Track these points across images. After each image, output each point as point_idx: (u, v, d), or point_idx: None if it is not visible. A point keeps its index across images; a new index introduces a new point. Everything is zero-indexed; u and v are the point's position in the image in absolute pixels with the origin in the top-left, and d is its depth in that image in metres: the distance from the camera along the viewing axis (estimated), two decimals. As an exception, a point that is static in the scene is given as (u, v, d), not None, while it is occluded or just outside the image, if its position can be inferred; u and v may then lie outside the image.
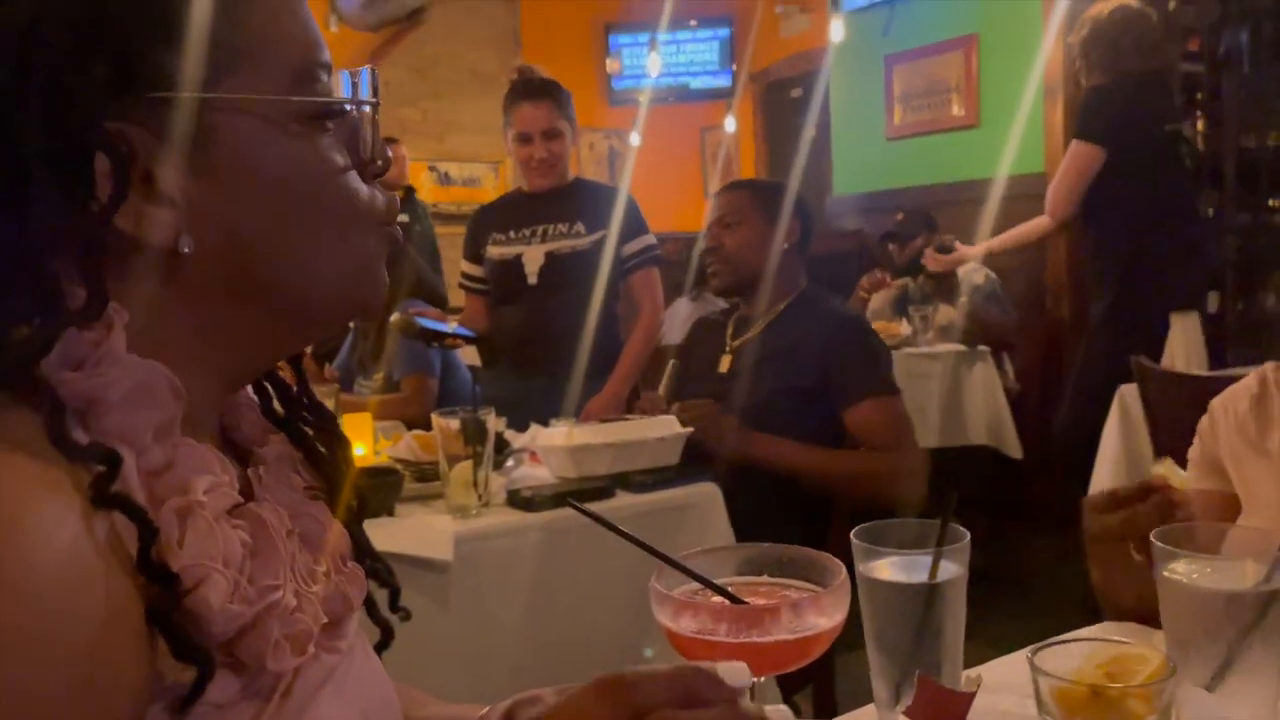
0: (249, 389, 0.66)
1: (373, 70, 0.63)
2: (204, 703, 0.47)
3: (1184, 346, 2.59)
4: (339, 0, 5.66)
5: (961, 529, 0.77)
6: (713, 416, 1.89)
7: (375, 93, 0.61)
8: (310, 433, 0.67)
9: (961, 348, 3.49)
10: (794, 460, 1.89)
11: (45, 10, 0.49)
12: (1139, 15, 2.92)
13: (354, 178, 0.59)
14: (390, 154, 0.62)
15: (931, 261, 3.65)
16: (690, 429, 1.81)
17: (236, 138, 0.53)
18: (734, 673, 0.52)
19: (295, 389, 0.68)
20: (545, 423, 2.00)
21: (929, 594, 0.75)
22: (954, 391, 3.44)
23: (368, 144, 0.60)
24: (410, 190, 4.98)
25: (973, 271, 3.86)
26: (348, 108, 0.59)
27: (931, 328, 3.60)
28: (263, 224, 0.55)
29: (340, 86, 0.60)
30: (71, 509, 0.44)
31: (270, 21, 0.55)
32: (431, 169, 6.21)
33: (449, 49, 6.18)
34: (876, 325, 3.66)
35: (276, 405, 0.67)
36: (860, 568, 0.78)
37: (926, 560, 0.76)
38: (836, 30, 4.85)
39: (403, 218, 4.85)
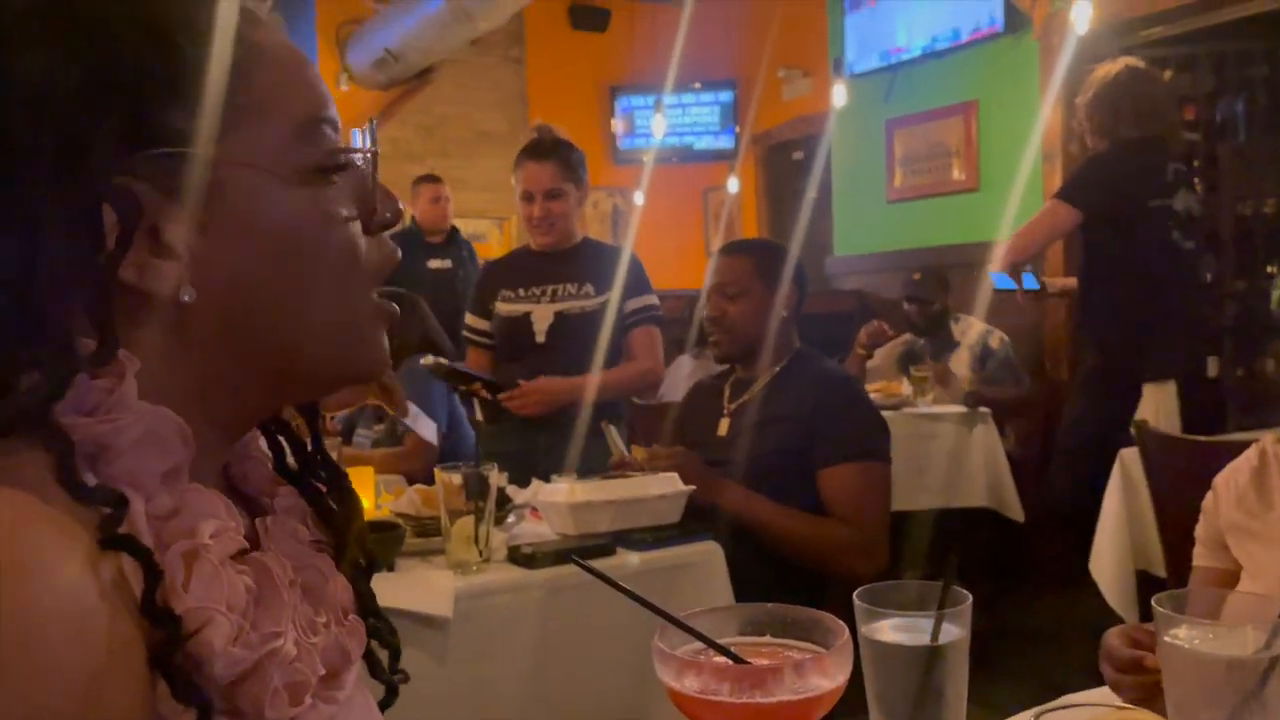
0: (262, 442, 0.67)
1: (372, 122, 0.64)
2: None
3: (1154, 415, 2.59)
4: (349, 59, 5.78)
5: (963, 591, 0.78)
6: (682, 463, 1.90)
7: (374, 143, 0.63)
8: (321, 488, 0.68)
9: (962, 409, 3.50)
10: (754, 514, 1.89)
11: (61, 67, 0.50)
12: (1142, 78, 2.92)
13: (356, 230, 0.60)
14: (401, 207, 0.64)
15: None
16: (692, 487, 1.81)
17: (240, 191, 0.55)
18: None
19: (310, 445, 0.69)
20: (547, 479, 2.00)
21: (931, 656, 0.76)
22: (955, 453, 3.43)
23: (373, 196, 0.61)
24: (454, 230, 5.01)
25: (985, 334, 3.87)
26: (355, 161, 0.60)
27: (931, 388, 3.60)
28: (264, 275, 0.56)
29: (350, 144, 0.62)
30: (77, 550, 0.45)
31: (278, 81, 0.57)
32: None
33: (457, 109, 6.29)
34: (878, 384, 3.67)
35: (290, 459, 0.68)
36: (862, 629, 0.78)
37: (929, 622, 0.76)
38: (839, 94, 4.95)
39: (444, 262, 4.84)
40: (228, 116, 0.54)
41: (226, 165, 0.54)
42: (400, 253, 0.64)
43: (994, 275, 3.23)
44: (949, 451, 3.41)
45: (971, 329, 3.92)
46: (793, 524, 1.89)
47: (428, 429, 2.59)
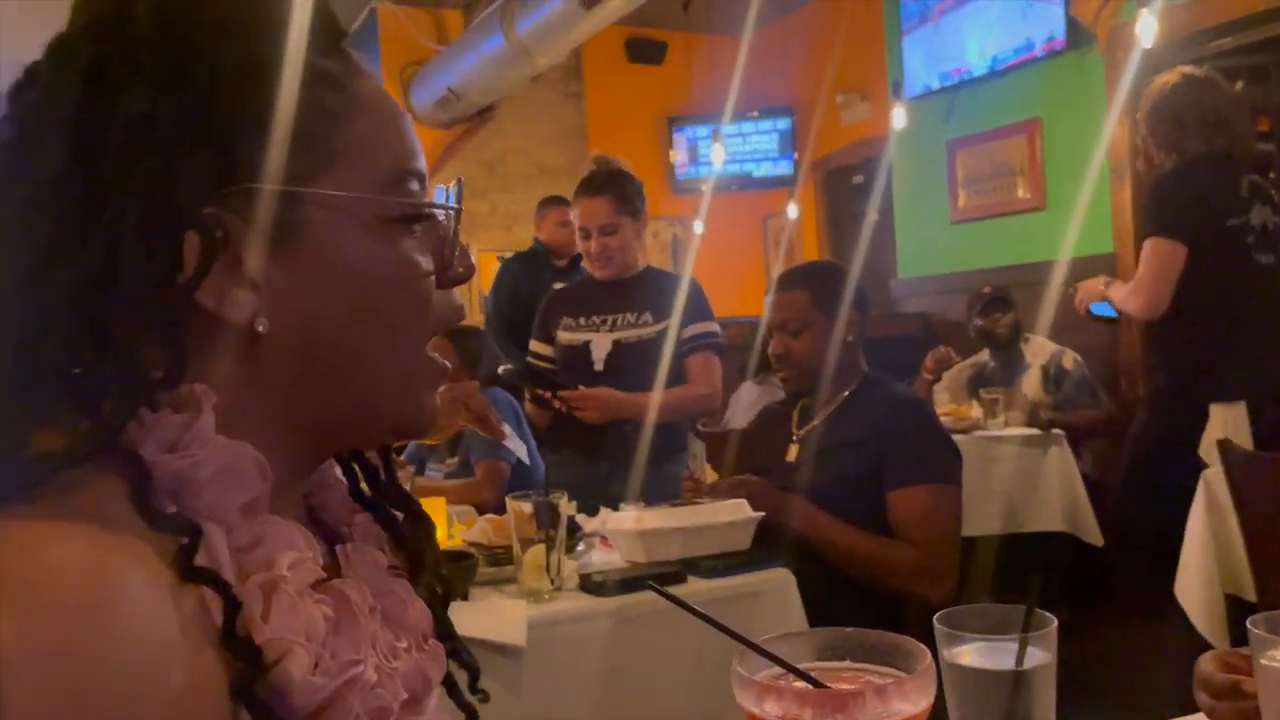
0: (338, 470, 0.69)
1: (460, 181, 0.66)
2: None
3: (1223, 436, 2.49)
4: (413, 99, 5.91)
5: (1048, 615, 0.76)
6: (749, 488, 1.89)
7: (460, 200, 0.64)
8: (396, 515, 0.69)
9: (1035, 431, 3.42)
10: (823, 534, 1.87)
11: (161, 105, 0.52)
12: (1204, 86, 2.81)
13: (430, 283, 0.61)
14: (474, 262, 0.65)
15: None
16: (761, 514, 1.80)
17: (323, 231, 0.56)
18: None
19: (383, 473, 0.70)
20: (614, 507, 2.01)
21: (1016, 681, 0.74)
22: (1029, 476, 3.36)
23: (450, 251, 0.62)
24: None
25: (1058, 354, 3.79)
26: (435, 215, 0.62)
27: (1003, 410, 3.53)
28: (337, 317, 0.57)
29: (434, 196, 0.62)
30: (160, 584, 0.46)
31: (372, 130, 0.58)
32: (500, 259, 6.37)
33: (517, 144, 6.39)
34: (947, 409, 3.61)
35: (364, 486, 0.69)
36: (944, 653, 0.77)
37: (1012, 646, 0.75)
38: (899, 118, 4.92)
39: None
40: (322, 160, 0.56)
41: (313, 205, 0.56)
42: (465, 309, 0.66)
43: (1094, 306, 3.12)
44: (1022, 474, 3.34)
45: (1043, 349, 3.85)
46: (860, 545, 1.87)
47: (520, 449, 2.63)
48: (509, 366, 2.52)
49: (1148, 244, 2.79)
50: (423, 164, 0.61)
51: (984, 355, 4.02)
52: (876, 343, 2.19)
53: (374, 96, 0.60)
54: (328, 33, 0.59)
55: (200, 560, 0.48)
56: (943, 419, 3.40)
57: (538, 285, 3.72)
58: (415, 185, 0.60)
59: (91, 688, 0.41)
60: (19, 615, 0.40)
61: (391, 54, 5.92)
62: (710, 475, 2.04)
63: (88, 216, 0.51)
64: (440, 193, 0.64)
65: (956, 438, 3.27)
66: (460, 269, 0.63)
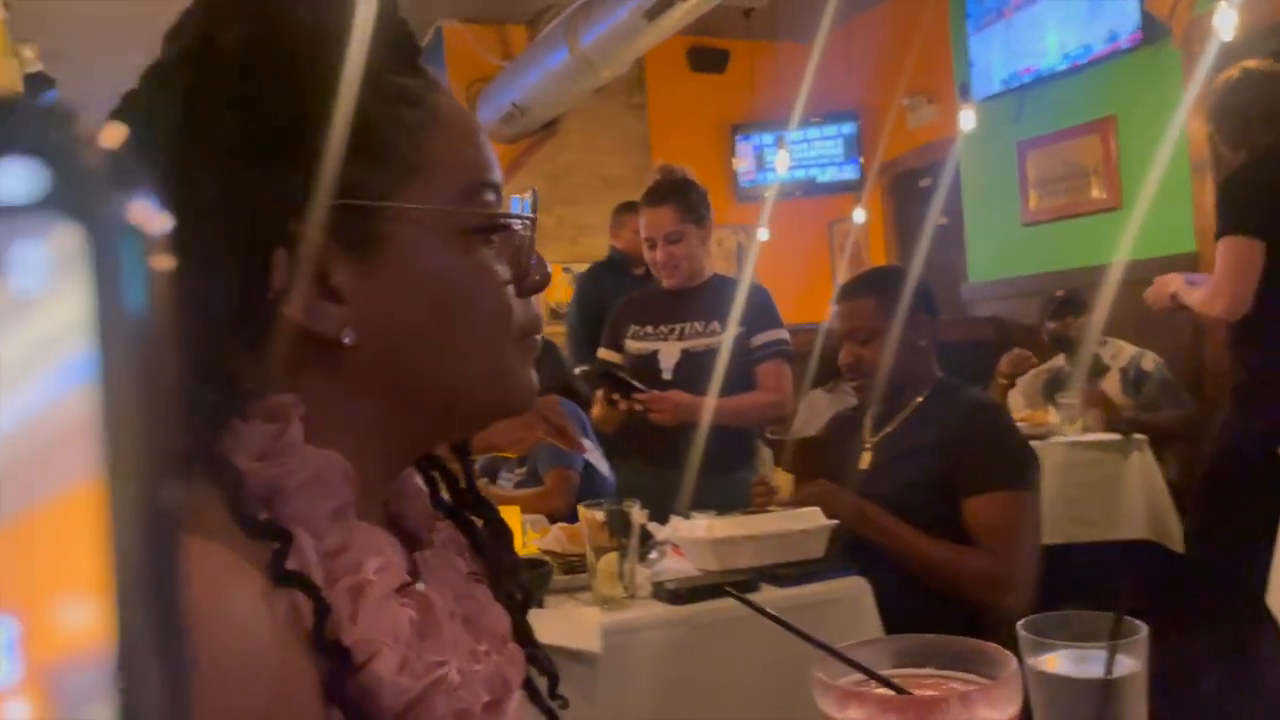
0: (418, 479, 0.70)
1: (534, 192, 0.67)
2: None
3: None
4: (480, 116, 6.00)
5: (1138, 622, 0.74)
6: (823, 494, 1.88)
7: (535, 210, 0.66)
8: (475, 522, 0.70)
9: (1115, 436, 3.33)
10: (899, 542, 1.85)
11: (250, 124, 0.54)
12: (1268, 80, 2.72)
13: (509, 291, 0.62)
14: (549, 271, 0.66)
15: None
16: (835, 521, 1.78)
17: (405, 244, 0.57)
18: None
19: (463, 481, 0.71)
20: (684, 516, 2.01)
21: (1105, 690, 0.72)
22: (1110, 482, 3.27)
23: (527, 260, 0.64)
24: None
25: (1137, 356, 3.69)
26: (512, 225, 0.63)
27: (1080, 415, 3.44)
28: (420, 325, 0.58)
29: (509, 207, 0.64)
30: (254, 588, 0.47)
31: (449, 144, 0.60)
32: (566, 270, 6.42)
33: (581, 157, 6.44)
34: (1023, 414, 3.53)
35: (444, 494, 0.71)
36: (1029, 661, 0.76)
37: (1100, 654, 0.73)
38: (967, 119, 4.85)
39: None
40: (401, 174, 0.57)
41: (396, 220, 0.57)
42: (542, 320, 0.67)
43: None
44: (1103, 481, 3.25)
45: (1121, 352, 3.74)
46: (937, 554, 1.84)
47: (602, 463, 2.65)
48: (586, 368, 2.54)
49: (1222, 244, 2.71)
50: (498, 175, 0.63)
51: (1059, 360, 3.93)
52: (947, 348, 2.15)
53: (450, 111, 0.61)
54: (405, 50, 0.61)
55: (291, 565, 0.50)
56: (1020, 424, 3.34)
57: (621, 294, 3.73)
58: (491, 196, 0.62)
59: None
60: None
61: (458, 71, 6.02)
62: (783, 481, 2.03)
63: (179, 235, 0.53)
64: (515, 203, 0.65)
65: (1033, 443, 3.21)
66: (537, 277, 0.65)
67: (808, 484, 1.99)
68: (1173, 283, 2.93)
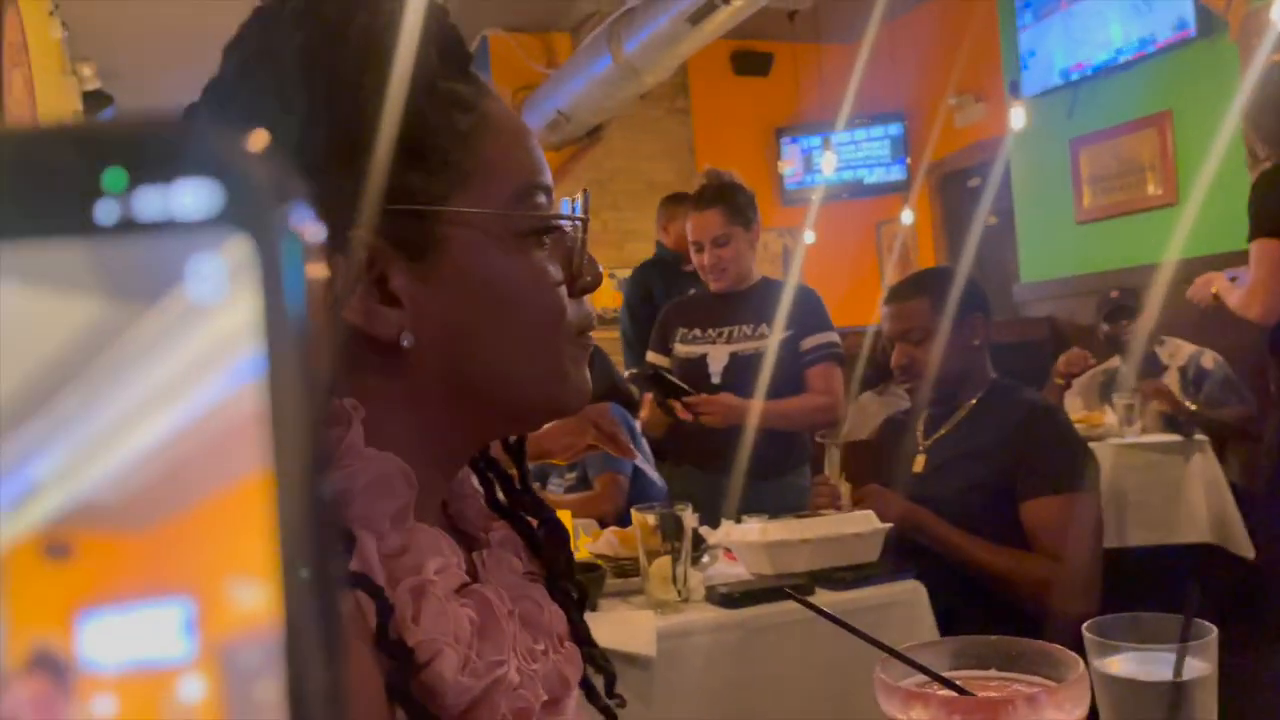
0: (475, 480, 0.71)
1: (586, 193, 0.68)
2: None
3: None
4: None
5: (1207, 624, 0.73)
6: (876, 498, 1.87)
7: (586, 211, 0.66)
8: (531, 522, 0.71)
9: (1175, 437, 3.25)
10: (954, 547, 1.82)
11: (309, 132, 0.55)
12: None
13: (562, 292, 0.63)
14: (601, 271, 0.67)
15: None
16: (890, 525, 1.77)
17: (460, 248, 0.58)
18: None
19: (518, 482, 0.72)
20: (736, 520, 2.00)
21: (1175, 693, 0.71)
22: (1170, 485, 3.19)
23: (579, 261, 0.64)
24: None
25: (1196, 355, 3.61)
26: (564, 226, 0.64)
27: (1140, 415, 3.37)
28: (476, 326, 0.59)
29: (559, 209, 0.65)
30: None
31: (501, 148, 0.61)
32: (612, 276, 6.44)
33: (626, 163, 6.46)
34: (1079, 415, 3.47)
35: (500, 495, 0.71)
36: (1095, 663, 0.74)
37: (1168, 657, 0.72)
38: (1017, 117, 4.79)
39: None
40: (456, 179, 0.58)
41: (451, 224, 0.58)
42: (594, 319, 0.67)
43: None
44: (1163, 483, 3.18)
45: (1179, 351, 3.66)
46: (994, 559, 1.81)
47: (653, 471, 2.66)
48: (635, 371, 2.55)
49: (1255, 247, 2.63)
50: (549, 178, 0.63)
51: (1116, 361, 3.85)
52: (1000, 349, 2.12)
53: (501, 116, 0.62)
54: (456, 57, 0.62)
55: (354, 566, 0.51)
56: (1077, 426, 3.28)
57: (674, 292, 3.49)
58: (543, 199, 0.62)
59: None
60: None
61: (503, 79, 6.07)
62: (844, 487, 2.02)
63: None
64: (565, 205, 0.66)
65: (1091, 445, 3.15)
66: (589, 278, 0.65)
67: (859, 488, 1.97)
68: (1215, 280, 2.86)
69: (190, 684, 0.15)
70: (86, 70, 4.72)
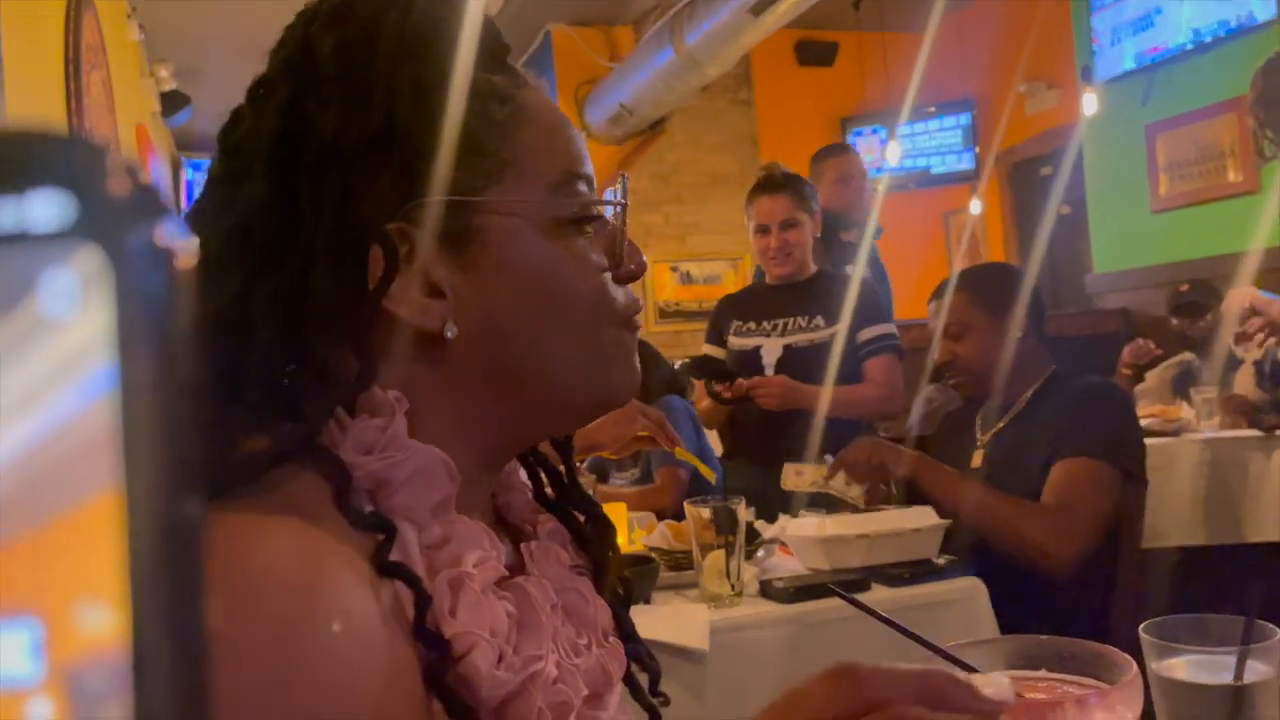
0: (523, 473, 0.71)
1: (623, 176, 0.68)
2: None
3: None
4: (588, 117, 6.07)
5: (1271, 626, 0.70)
6: (875, 445, 1.88)
7: (625, 196, 0.66)
8: (578, 517, 0.71)
9: (1255, 433, 3.14)
10: (955, 491, 1.80)
11: (347, 127, 0.56)
12: None
13: (606, 279, 0.63)
14: (644, 259, 0.66)
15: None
16: (949, 520, 1.74)
17: (501, 238, 0.58)
18: (997, 687, 0.48)
19: (565, 477, 0.72)
20: (794, 514, 1.98)
21: (1235, 697, 0.68)
22: (1250, 481, 3.08)
23: (621, 249, 0.64)
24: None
25: (1274, 348, 3.47)
26: (605, 214, 0.64)
27: (1217, 412, 3.26)
28: (519, 317, 0.59)
29: (603, 198, 0.65)
30: (361, 576, 0.49)
31: (538, 138, 0.61)
32: (674, 269, 6.43)
33: (689, 155, 6.44)
34: (1154, 409, 3.37)
35: (548, 489, 0.71)
36: (1153, 666, 0.72)
37: (1230, 659, 0.69)
38: (1090, 103, 4.66)
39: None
40: (494, 169, 0.59)
41: (491, 214, 0.58)
42: (641, 303, 0.67)
43: None
44: (1243, 480, 3.07)
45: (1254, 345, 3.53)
46: (995, 501, 1.77)
47: (716, 468, 2.66)
48: (687, 361, 2.55)
49: None
50: (589, 167, 0.63)
51: (1187, 355, 3.74)
52: (1072, 341, 2.08)
53: (539, 106, 0.62)
54: (493, 49, 0.62)
55: (395, 557, 0.51)
56: (1151, 420, 3.18)
57: (834, 262, 3.09)
58: (583, 187, 0.62)
59: (302, 663, 0.44)
60: (236, 594, 0.43)
61: (566, 74, 6.09)
62: (855, 489, 2.01)
63: (286, 237, 0.55)
64: (608, 195, 0.65)
65: (1165, 440, 3.06)
66: (632, 265, 0.65)
67: (855, 444, 1.96)
68: (1249, 295, 2.75)
69: (37, 707, 0.14)
70: (164, 71, 4.86)
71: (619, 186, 0.67)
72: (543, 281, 0.60)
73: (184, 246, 0.16)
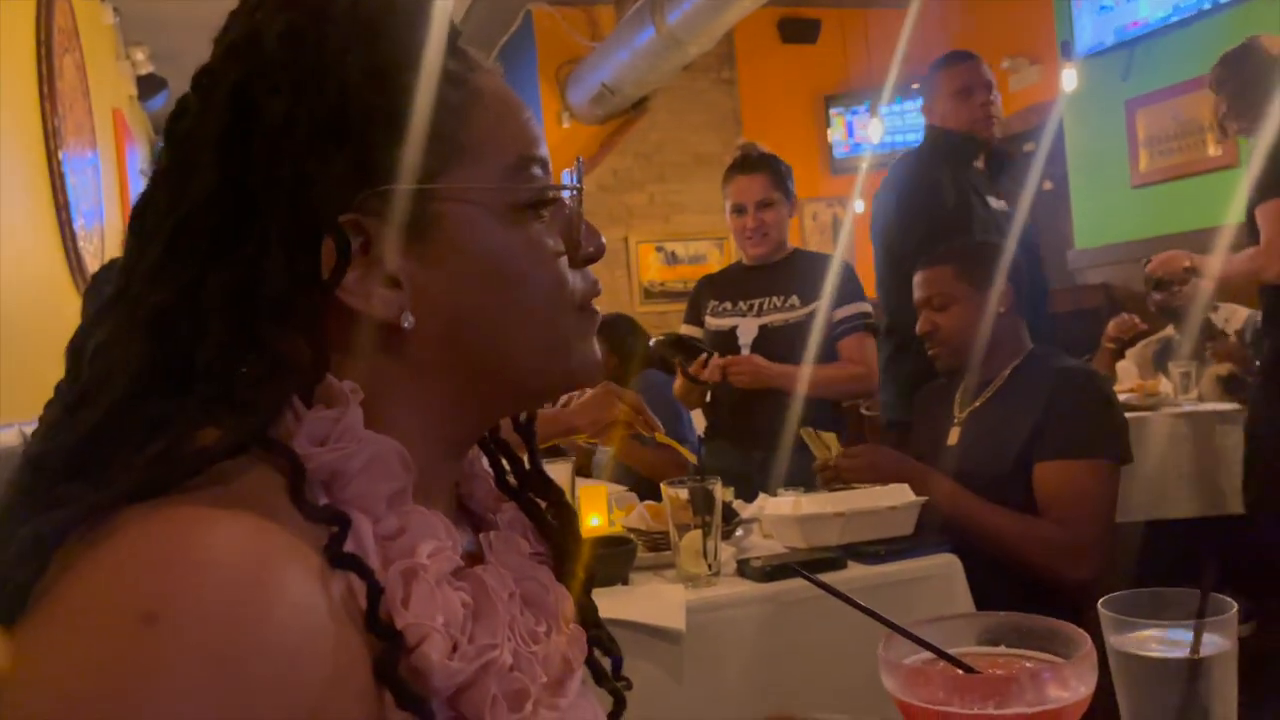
0: (485, 461, 0.71)
1: (579, 161, 0.67)
2: None
3: None
4: (570, 98, 6.04)
5: (1227, 600, 0.71)
6: (875, 458, 1.88)
7: (580, 180, 0.65)
8: (541, 504, 0.70)
9: (1233, 406, 3.17)
10: (960, 508, 1.79)
11: (297, 115, 0.55)
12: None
13: (562, 263, 0.62)
14: (604, 242, 0.66)
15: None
16: (925, 498, 1.75)
17: (456, 224, 0.58)
18: None
19: (528, 461, 0.72)
20: (772, 494, 1.99)
21: (1191, 670, 0.69)
22: (1228, 453, 3.11)
23: (578, 232, 0.64)
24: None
25: (1253, 317, 3.50)
26: (563, 198, 0.63)
27: (1195, 385, 3.28)
28: (478, 304, 0.59)
29: (560, 182, 0.64)
30: (309, 569, 0.48)
31: (493, 123, 0.60)
32: (659, 249, 6.43)
33: (672, 135, 6.42)
34: (1134, 384, 3.39)
35: (510, 478, 0.71)
36: (1111, 640, 0.73)
37: (1187, 634, 0.70)
38: (1069, 79, 4.67)
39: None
40: (448, 155, 0.58)
41: (445, 200, 0.58)
42: (600, 288, 0.66)
43: None
44: (1221, 451, 3.09)
45: (1235, 315, 3.55)
46: (998, 520, 1.77)
47: (696, 449, 2.67)
48: (660, 339, 2.56)
49: (1263, 209, 2.56)
50: (544, 151, 0.63)
51: (1169, 330, 3.76)
52: (1056, 317, 2.08)
53: (492, 90, 0.61)
54: (445, 33, 0.61)
55: (349, 548, 0.51)
56: (1130, 395, 3.20)
57: (965, 187, 2.61)
58: (538, 171, 0.62)
59: (247, 656, 0.43)
60: (181, 586, 0.43)
61: (548, 54, 6.06)
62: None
63: (238, 228, 0.55)
64: (566, 177, 0.65)
65: (1145, 414, 3.08)
66: (590, 248, 0.65)
67: (859, 448, 1.95)
68: (1183, 256, 2.79)
69: None
70: (140, 55, 4.81)
71: (575, 170, 0.67)
72: (500, 268, 0.59)
73: None
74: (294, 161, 0.54)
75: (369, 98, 0.56)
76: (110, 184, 3.82)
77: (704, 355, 2.52)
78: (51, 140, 2.56)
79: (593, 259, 0.65)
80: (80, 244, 2.80)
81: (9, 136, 2.16)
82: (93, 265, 2.93)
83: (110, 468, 0.50)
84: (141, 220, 0.58)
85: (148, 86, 5.05)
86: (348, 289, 0.55)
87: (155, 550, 0.45)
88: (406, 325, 0.57)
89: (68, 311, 2.55)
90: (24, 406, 0.57)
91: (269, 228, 0.54)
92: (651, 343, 2.57)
